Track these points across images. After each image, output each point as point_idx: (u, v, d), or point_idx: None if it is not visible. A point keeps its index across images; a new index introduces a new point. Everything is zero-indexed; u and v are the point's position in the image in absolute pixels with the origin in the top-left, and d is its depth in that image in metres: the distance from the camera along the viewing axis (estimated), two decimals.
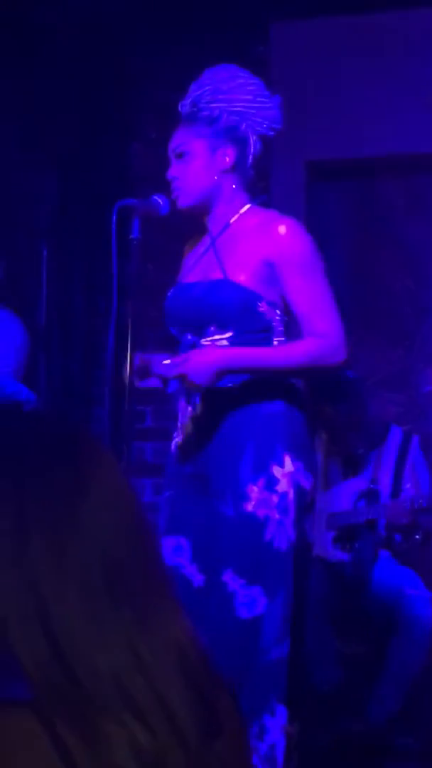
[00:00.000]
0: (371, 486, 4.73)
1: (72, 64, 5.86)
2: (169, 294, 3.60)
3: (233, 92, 3.52)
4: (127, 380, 3.40)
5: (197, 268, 3.57)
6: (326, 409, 4.76)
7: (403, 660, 4.43)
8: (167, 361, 3.40)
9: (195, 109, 3.52)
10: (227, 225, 3.54)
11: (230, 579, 3.36)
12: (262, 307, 3.42)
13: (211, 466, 3.45)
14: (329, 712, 4.48)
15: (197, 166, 3.52)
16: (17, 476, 1.30)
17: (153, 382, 3.43)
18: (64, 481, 1.31)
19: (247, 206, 3.57)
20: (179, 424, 3.54)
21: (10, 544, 1.26)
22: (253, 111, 3.53)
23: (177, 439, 3.55)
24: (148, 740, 1.25)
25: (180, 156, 3.52)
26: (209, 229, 3.57)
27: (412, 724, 4.54)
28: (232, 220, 3.54)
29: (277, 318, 3.46)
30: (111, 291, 3.55)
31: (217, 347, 3.41)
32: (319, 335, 3.39)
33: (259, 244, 3.44)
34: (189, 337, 3.49)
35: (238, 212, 3.55)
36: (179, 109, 3.58)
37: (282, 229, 3.44)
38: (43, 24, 5.63)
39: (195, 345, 3.46)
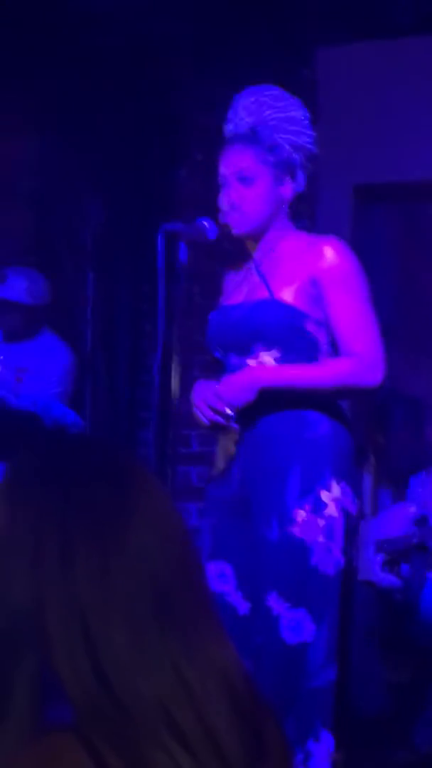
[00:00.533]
0: (421, 511, 4.70)
1: (119, 87, 5.89)
2: (211, 317, 3.59)
3: (294, 123, 3.52)
4: (173, 403, 3.40)
5: (240, 290, 3.57)
6: (378, 433, 4.74)
7: None
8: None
9: (253, 132, 3.50)
10: (272, 249, 3.54)
11: (275, 603, 3.34)
12: (309, 326, 3.42)
13: (254, 490, 3.43)
14: (376, 740, 4.44)
15: (262, 195, 3.50)
16: (63, 500, 1.29)
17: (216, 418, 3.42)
18: (111, 506, 1.30)
19: (291, 232, 3.57)
20: (219, 448, 3.53)
21: (56, 568, 1.26)
22: (306, 143, 3.54)
23: (217, 465, 3.54)
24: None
25: (243, 180, 3.49)
26: (253, 253, 3.56)
27: None
28: (276, 246, 3.54)
29: (324, 337, 3.45)
30: (156, 315, 3.55)
31: (252, 367, 3.40)
32: (355, 355, 3.39)
33: (304, 264, 3.44)
34: (234, 358, 3.48)
35: (283, 237, 3.55)
36: (228, 125, 3.56)
37: (328, 249, 3.45)
38: (91, 48, 5.66)
39: (241, 365, 3.44)
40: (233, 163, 3.50)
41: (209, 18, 5.61)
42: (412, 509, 4.71)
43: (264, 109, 3.51)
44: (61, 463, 1.34)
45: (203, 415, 3.40)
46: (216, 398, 3.37)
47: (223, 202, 3.51)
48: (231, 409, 3.37)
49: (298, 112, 3.55)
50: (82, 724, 1.24)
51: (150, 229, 3.54)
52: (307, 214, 5.92)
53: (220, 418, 3.38)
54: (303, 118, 3.56)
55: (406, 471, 4.78)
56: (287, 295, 3.42)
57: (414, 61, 5.68)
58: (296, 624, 3.33)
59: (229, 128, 3.57)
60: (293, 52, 5.81)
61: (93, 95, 5.82)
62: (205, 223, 3.48)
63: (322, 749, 3.35)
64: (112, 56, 5.78)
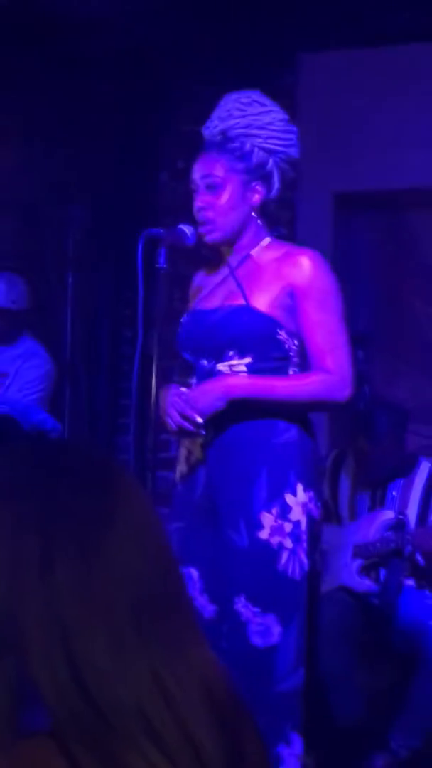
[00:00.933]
0: (399, 516, 4.71)
1: (103, 95, 5.90)
2: (184, 320, 3.61)
3: (265, 128, 3.53)
4: (153, 409, 3.40)
5: (215, 295, 3.57)
6: (359, 438, 4.75)
7: (428, 693, 4.39)
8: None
9: (224, 138, 3.51)
10: (248, 256, 3.55)
11: (243, 607, 3.37)
12: (282, 335, 3.45)
13: (221, 494, 3.46)
14: (353, 745, 4.44)
15: (230, 202, 3.51)
16: (43, 505, 1.29)
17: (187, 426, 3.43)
18: (91, 511, 1.30)
19: (267, 239, 3.58)
20: (183, 454, 3.54)
21: (35, 573, 1.26)
22: (281, 148, 3.54)
23: (181, 469, 3.55)
24: None
25: (212, 188, 3.50)
26: (228, 259, 3.57)
27: None
28: (253, 252, 3.55)
29: (295, 348, 3.48)
30: (136, 320, 3.56)
31: (227, 375, 3.42)
32: (326, 371, 3.43)
33: (281, 274, 3.46)
34: (205, 362, 3.49)
35: (258, 245, 3.56)
36: (204, 132, 3.57)
37: (306, 261, 3.48)
38: (75, 56, 5.67)
39: (212, 370, 3.46)
40: (202, 170, 3.52)
41: (192, 25, 5.61)
42: (390, 515, 4.72)
43: (235, 115, 3.52)
44: (41, 468, 1.34)
45: (172, 421, 3.41)
46: (186, 405, 3.39)
47: (194, 209, 3.53)
48: (201, 417, 3.39)
49: (273, 116, 3.55)
50: (59, 730, 1.23)
51: (131, 235, 3.54)
52: (286, 222, 5.94)
53: (188, 425, 3.39)
54: (279, 121, 3.56)
55: (385, 477, 4.79)
56: (263, 304, 3.44)
57: (396, 69, 5.70)
58: (265, 629, 3.36)
59: (204, 134, 3.58)
60: (276, 59, 5.82)
61: (77, 102, 5.83)
62: (185, 229, 3.49)
63: (293, 753, 3.37)
64: (96, 64, 5.79)
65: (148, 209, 5.87)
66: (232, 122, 3.51)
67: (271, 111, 3.55)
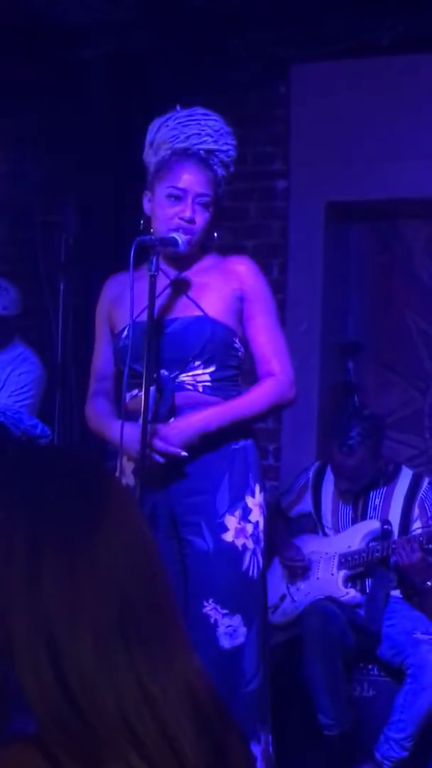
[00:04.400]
0: (384, 527, 4.71)
1: (96, 100, 5.90)
2: (126, 332, 3.53)
3: (231, 150, 3.65)
4: (143, 416, 3.40)
5: (163, 306, 3.56)
6: (339, 450, 4.74)
7: (412, 705, 4.39)
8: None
9: (210, 158, 3.59)
10: (188, 266, 3.61)
11: (212, 610, 3.43)
12: (237, 343, 3.56)
13: (178, 502, 3.50)
14: (339, 754, 4.44)
15: (210, 218, 3.59)
16: (32, 509, 1.29)
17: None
18: (79, 514, 1.30)
19: (204, 249, 3.66)
20: (128, 468, 3.53)
21: (23, 578, 1.26)
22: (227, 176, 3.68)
23: (128, 482, 3.51)
24: None
25: (204, 205, 3.55)
26: (162, 268, 3.56)
27: None
28: (193, 262, 3.62)
29: (243, 354, 3.60)
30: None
31: (191, 415, 3.46)
32: (275, 374, 3.55)
33: (228, 279, 3.56)
34: (165, 372, 3.49)
35: (201, 257, 3.64)
36: (189, 144, 3.59)
37: (243, 267, 3.60)
38: (68, 61, 5.67)
39: (174, 380, 3.49)
40: (198, 187, 3.55)
41: (185, 34, 5.62)
42: (375, 525, 4.72)
43: (220, 141, 3.62)
44: (31, 472, 1.34)
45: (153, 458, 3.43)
46: (166, 445, 3.41)
47: (177, 215, 3.53)
48: (184, 451, 3.44)
49: (228, 135, 3.66)
50: (44, 734, 1.23)
51: (123, 241, 3.54)
52: (278, 231, 5.96)
53: (161, 459, 3.44)
54: (232, 137, 3.67)
55: (365, 487, 4.79)
56: (218, 313, 3.52)
57: (389, 80, 5.71)
58: (233, 630, 3.44)
59: (190, 146, 3.59)
60: (269, 69, 5.83)
61: (70, 108, 5.83)
62: (177, 237, 3.50)
63: (263, 750, 3.43)
64: (90, 69, 5.80)
65: (139, 216, 5.86)
66: (219, 146, 3.61)
67: (227, 130, 3.65)
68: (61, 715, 1.22)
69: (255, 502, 3.51)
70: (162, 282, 3.56)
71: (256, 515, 3.50)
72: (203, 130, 3.59)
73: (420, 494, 4.75)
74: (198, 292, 3.55)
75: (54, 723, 1.23)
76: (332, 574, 4.72)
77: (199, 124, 3.59)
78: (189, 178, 3.54)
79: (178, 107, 3.66)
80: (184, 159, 3.55)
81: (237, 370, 3.58)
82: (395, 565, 4.69)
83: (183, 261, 3.60)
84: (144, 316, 3.49)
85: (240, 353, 3.57)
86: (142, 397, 3.37)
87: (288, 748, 4.01)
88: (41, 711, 1.23)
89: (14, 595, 1.25)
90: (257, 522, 3.50)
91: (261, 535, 3.51)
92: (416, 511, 4.73)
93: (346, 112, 5.77)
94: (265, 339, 3.56)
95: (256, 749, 3.43)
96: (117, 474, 3.54)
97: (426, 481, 4.81)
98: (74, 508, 1.30)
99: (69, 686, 1.23)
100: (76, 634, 1.24)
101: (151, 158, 3.64)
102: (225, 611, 3.42)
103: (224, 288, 3.54)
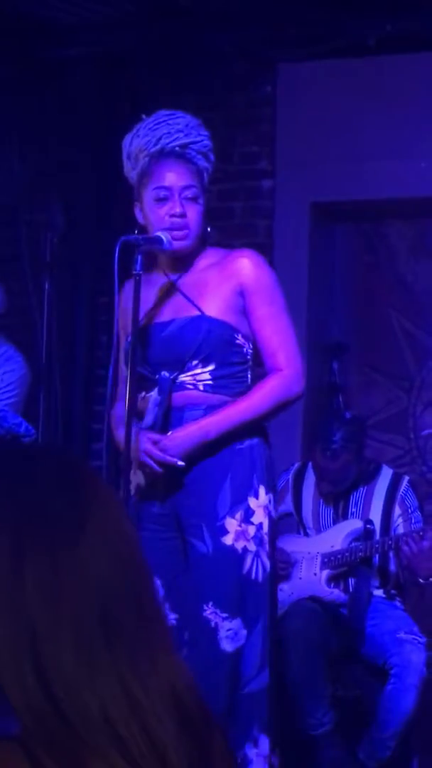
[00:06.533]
0: (367, 526, 4.71)
1: (82, 99, 5.90)
2: (132, 337, 3.55)
3: (205, 140, 3.66)
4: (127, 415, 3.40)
5: (163, 308, 3.59)
6: (320, 451, 4.74)
7: (395, 705, 4.39)
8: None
9: (186, 151, 3.60)
10: (189, 265, 3.61)
11: (212, 614, 3.41)
12: (240, 339, 3.53)
13: (182, 504, 3.50)
14: (322, 755, 4.44)
15: (203, 213, 3.59)
16: (14, 509, 1.29)
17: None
18: (63, 514, 1.29)
19: (206, 248, 3.66)
20: (136, 466, 3.54)
21: (4, 579, 1.25)
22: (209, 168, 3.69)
23: (138, 481, 3.53)
24: None
25: (192, 198, 3.56)
26: (165, 270, 3.58)
27: None
28: (194, 260, 3.62)
29: (249, 349, 3.57)
30: (112, 326, 3.56)
31: (186, 427, 3.46)
32: (281, 369, 3.52)
33: (227, 275, 3.54)
34: (166, 374, 3.49)
35: (201, 254, 3.64)
36: (162, 145, 3.59)
37: (246, 261, 3.57)
38: (54, 60, 5.67)
39: (174, 381, 3.49)
40: (182, 180, 3.58)
41: (172, 34, 5.62)
42: (358, 524, 4.73)
43: (192, 134, 3.63)
44: (14, 470, 1.33)
45: (151, 468, 3.45)
46: (163, 455, 3.42)
47: (168, 213, 3.53)
48: (181, 460, 3.44)
49: (206, 136, 3.68)
50: (26, 735, 1.23)
51: (108, 240, 3.55)
52: (264, 231, 5.96)
53: (159, 468, 3.45)
54: (208, 140, 3.69)
55: (346, 489, 4.80)
56: (216, 310, 3.51)
57: (374, 81, 5.72)
58: (234, 633, 3.42)
59: (163, 145, 3.60)
60: (256, 69, 5.83)
61: (54, 107, 5.83)
62: (162, 236, 3.50)
63: (260, 753, 3.43)
64: (76, 68, 5.79)
65: (124, 215, 5.86)
66: (193, 137, 3.62)
67: (205, 131, 3.68)
68: (43, 716, 1.22)
69: (258, 503, 3.48)
70: (158, 283, 3.61)
71: (259, 517, 3.47)
72: (172, 128, 3.60)
73: (400, 493, 4.76)
74: (197, 291, 3.55)
75: (36, 724, 1.22)
76: (315, 574, 4.72)
77: (168, 124, 3.61)
78: (171, 175, 3.55)
79: (143, 116, 3.67)
80: (162, 159, 3.57)
81: (242, 366, 3.56)
82: (382, 566, 4.70)
83: (184, 261, 3.60)
84: (150, 320, 3.57)
85: (245, 349, 3.55)
86: (148, 399, 3.42)
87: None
88: (24, 712, 1.23)
89: None
90: (261, 524, 3.47)
91: (265, 537, 3.48)
92: (397, 510, 4.73)
93: (332, 112, 5.78)
94: (269, 332, 3.54)
95: (252, 752, 3.41)
96: (131, 487, 3.55)
97: (405, 479, 4.83)
98: (58, 508, 1.29)
99: (50, 686, 1.22)
100: (58, 635, 1.23)
101: (131, 171, 3.65)
102: (225, 615, 3.41)
103: (223, 285, 3.53)
